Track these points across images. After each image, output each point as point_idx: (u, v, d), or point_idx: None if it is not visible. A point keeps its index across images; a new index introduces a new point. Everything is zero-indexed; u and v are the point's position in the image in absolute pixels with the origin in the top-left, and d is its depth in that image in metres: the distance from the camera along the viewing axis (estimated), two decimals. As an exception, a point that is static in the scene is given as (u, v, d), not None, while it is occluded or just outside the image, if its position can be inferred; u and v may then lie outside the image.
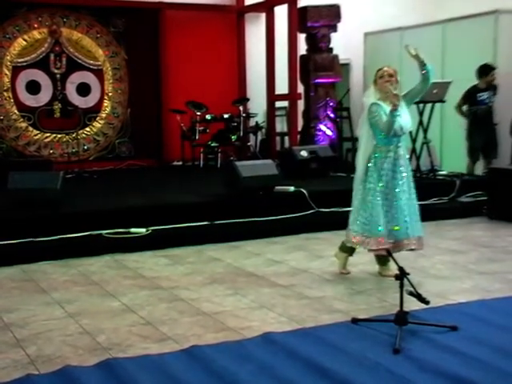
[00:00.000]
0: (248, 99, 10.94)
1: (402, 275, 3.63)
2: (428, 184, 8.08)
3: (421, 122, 8.33)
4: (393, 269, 4.48)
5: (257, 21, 11.47)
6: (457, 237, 6.54)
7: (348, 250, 5.14)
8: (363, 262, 5.53)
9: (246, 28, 11.55)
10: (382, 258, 5.03)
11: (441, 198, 7.89)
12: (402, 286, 3.64)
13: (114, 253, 5.91)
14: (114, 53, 10.78)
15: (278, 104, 11.01)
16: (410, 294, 3.63)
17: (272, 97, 10.79)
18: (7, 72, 10.09)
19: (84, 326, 4.00)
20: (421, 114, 8.26)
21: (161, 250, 6.05)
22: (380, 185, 4.87)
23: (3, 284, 5.02)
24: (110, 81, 10.78)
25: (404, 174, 4.88)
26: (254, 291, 4.74)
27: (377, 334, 3.71)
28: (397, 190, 4.85)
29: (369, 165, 4.93)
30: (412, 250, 4.92)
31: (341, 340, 3.62)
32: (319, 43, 10.41)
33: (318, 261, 5.65)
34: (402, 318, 3.65)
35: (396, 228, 4.83)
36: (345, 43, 10.91)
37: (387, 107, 4.72)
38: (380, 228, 4.79)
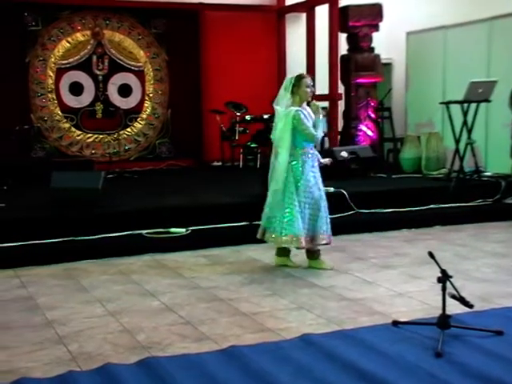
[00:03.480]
0: (288, 99, 10.91)
1: (444, 278, 3.57)
2: (472, 185, 7.96)
3: (465, 122, 8.18)
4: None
5: (297, 21, 11.44)
6: (501, 239, 6.41)
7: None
8: (403, 264, 5.47)
9: (286, 28, 11.53)
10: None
11: (485, 199, 7.75)
12: (444, 288, 3.58)
13: (153, 252, 5.97)
14: (155, 54, 10.88)
15: (319, 104, 10.94)
16: (453, 297, 3.57)
17: (312, 97, 10.73)
18: (51, 74, 10.29)
19: (124, 325, 4.05)
20: (465, 114, 8.12)
21: (200, 249, 6.09)
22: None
23: (46, 282, 5.12)
24: (151, 82, 10.89)
25: None
26: (292, 292, 4.74)
27: (418, 337, 3.67)
28: None
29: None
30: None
31: (381, 342, 3.59)
32: (360, 43, 10.32)
33: (358, 262, 5.62)
34: (444, 321, 3.59)
35: None
36: (387, 42, 10.80)
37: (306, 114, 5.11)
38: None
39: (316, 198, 5.23)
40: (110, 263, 5.67)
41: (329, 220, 5.31)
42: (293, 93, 5.11)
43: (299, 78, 5.13)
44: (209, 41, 10.98)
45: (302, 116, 5.09)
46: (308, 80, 5.14)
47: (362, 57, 10.36)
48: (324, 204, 5.29)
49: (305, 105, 5.23)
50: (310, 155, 5.22)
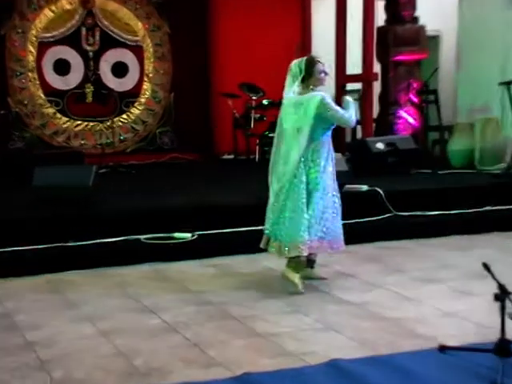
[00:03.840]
0: (313, 80, 10.91)
1: (503, 295, 3.54)
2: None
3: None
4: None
5: (325, -13, 11.43)
6: None
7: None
8: (452, 277, 5.45)
9: (312, -3, 11.54)
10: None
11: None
12: (503, 307, 3.56)
13: (153, 261, 6.00)
14: (156, 26, 10.93)
15: (350, 86, 10.94)
16: (515, 318, 3.55)
17: (342, 78, 10.73)
18: (32, 49, 10.37)
19: (119, 347, 4.07)
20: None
21: (208, 258, 6.11)
22: None
23: (26, 296, 5.15)
24: (151, 59, 10.94)
25: None
26: (318, 309, 4.73)
27: (471, 365, 3.64)
28: None
29: None
30: None
31: (425, 371, 3.57)
32: (402, 11, 10.27)
33: (396, 275, 5.59)
34: (504, 347, 3.56)
35: None
36: (434, 11, 10.73)
37: None
38: None
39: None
40: (102, 274, 5.69)
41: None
42: (303, 81, 5.12)
43: (310, 63, 5.10)
44: (219, 10, 11.01)
45: (329, 100, 5.10)
46: (321, 65, 5.15)
47: (403, 29, 10.31)
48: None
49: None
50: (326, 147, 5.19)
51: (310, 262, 5.39)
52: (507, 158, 8.87)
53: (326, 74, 5.19)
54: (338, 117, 5.12)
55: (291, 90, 5.16)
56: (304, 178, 5.12)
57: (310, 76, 5.11)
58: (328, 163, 5.20)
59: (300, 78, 5.10)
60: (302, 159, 5.12)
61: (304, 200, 5.10)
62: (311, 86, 5.14)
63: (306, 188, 5.12)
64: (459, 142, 9.51)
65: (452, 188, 7.80)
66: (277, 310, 4.71)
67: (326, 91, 5.23)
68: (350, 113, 5.17)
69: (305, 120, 5.07)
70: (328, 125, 5.17)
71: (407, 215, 7.12)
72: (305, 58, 5.19)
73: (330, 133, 5.24)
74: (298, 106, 5.13)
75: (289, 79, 5.19)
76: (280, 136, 5.29)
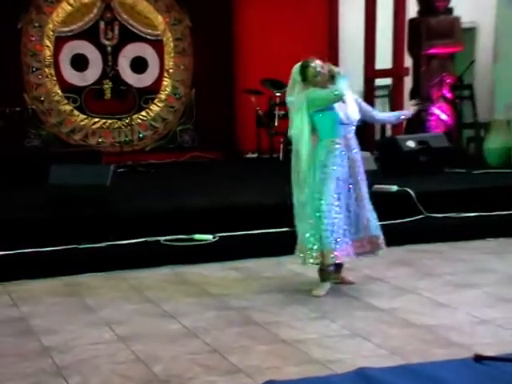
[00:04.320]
0: (341, 75, 10.89)
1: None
2: None
3: None
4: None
5: (353, -23, 11.41)
6: None
7: None
8: (488, 282, 5.41)
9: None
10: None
11: None
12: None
13: (173, 264, 6.02)
14: (177, 20, 10.97)
15: (379, 82, 10.90)
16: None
17: (371, 72, 10.70)
18: (49, 44, 10.45)
19: (137, 353, 4.09)
20: None
21: (230, 261, 6.11)
22: None
23: (42, 300, 5.19)
24: (171, 54, 10.97)
25: None
26: (345, 315, 4.73)
27: (508, 377, 3.61)
28: None
29: None
30: None
31: (459, 382, 3.54)
32: (435, 2, 10.22)
33: (428, 279, 5.57)
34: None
35: None
36: (470, 1, 10.66)
37: None
38: None
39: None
40: (120, 277, 5.72)
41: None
42: (305, 86, 5.21)
43: (302, 68, 5.20)
44: (242, 3, 11.02)
45: (315, 91, 5.15)
46: (312, 68, 5.18)
47: (436, 20, 10.25)
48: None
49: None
50: (338, 146, 5.17)
51: (337, 265, 5.38)
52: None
53: (321, 75, 5.17)
54: (320, 97, 5.13)
55: (293, 94, 5.24)
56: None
57: (307, 81, 5.19)
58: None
59: (299, 84, 5.21)
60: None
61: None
62: (311, 88, 5.20)
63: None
64: (496, 140, 9.43)
65: (488, 188, 7.74)
66: (302, 316, 4.71)
67: (353, 86, 5.24)
68: (335, 88, 5.12)
69: (303, 122, 5.16)
70: (322, 109, 5.14)
71: (440, 217, 7.09)
72: (299, 64, 5.24)
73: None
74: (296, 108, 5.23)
75: (290, 83, 5.30)
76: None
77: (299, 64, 5.25)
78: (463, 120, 10.34)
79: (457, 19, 10.34)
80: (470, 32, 11.32)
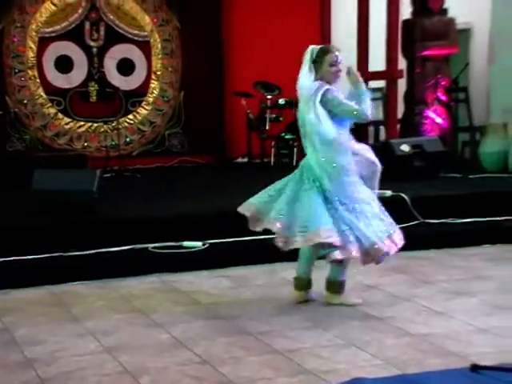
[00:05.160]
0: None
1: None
2: None
3: None
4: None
5: (346, -23, 11.43)
6: None
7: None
8: (485, 290, 5.41)
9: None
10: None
11: None
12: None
13: (162, 272, 6.00)
14: (165, 20, 10.97)
15: (373, 84, 10.90)
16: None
17: (365, 75, 10.68)
18: (32, 45, 10.43)
19: (124, 364, 4.06)
20: None
21: (221, 269, 6.10)
22: None
23: (26, 309, 5.16)
24: (159, 56, 10.98)
25: None
26: (339, 324, 4.72)
27: (505, 386, 3.62)
28: None
29: None
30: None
31: (455, 391, 3.55)
32: (430, 3, 10.26)
33: (424, 287, 5.57)
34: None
35: None
36: (464, 2, 10.70)
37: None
38: None
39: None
40: (107, 286, 5.69)
41: None
42: (313, 70, 4.93)
43: (322, 51, 4.93)
44: (233, 4, 11.03)
45: (334, 93, 4.89)
46: (333, 56, 4.92)
47: (431, 21, 10.29)
48: None
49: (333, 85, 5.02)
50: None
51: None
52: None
53: (337, 67, 4.92)
54: (344, 109, 4.89)
55: (305, 82, 4.94)
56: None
57: (319, 66, 4.91)
58: None
59: (308, 66, 4.92)
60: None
61: None
62: (320, 81, 4.92)
63: None
64: (492, 144, 9.47)
65: (484, 193, 7.75)
66: (295, 325, 4.70)
67: (343, 89, 5.13)
68: (360, 106, 4.92)
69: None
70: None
71: (435, 223, 7.11)
72: (318, 46, 5.02)
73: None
74: (306, 100, 4.94)
75: (303, 67, 4.99)
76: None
77: (319, 46, 5.00)
78: (458, 123, 10.36)
79: (452, 20, 10.38)
80: (465, 34, 11.35)
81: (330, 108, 4.89)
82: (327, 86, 4.91)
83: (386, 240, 4.95)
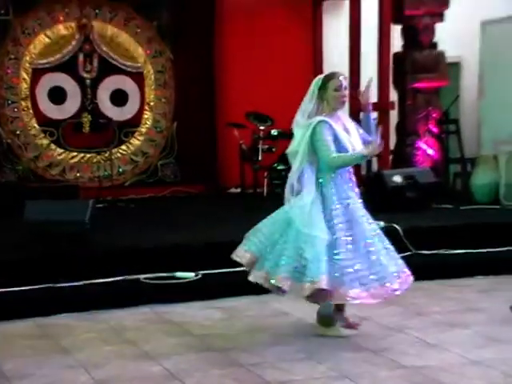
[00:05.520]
0: (325, 109, 10.96)
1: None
2: None
3: None
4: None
5: (338, 10, 11.53)
6: None
7: None
8: (478, 321, 5.40)
9: (323, 19, 11.62)
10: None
11: None
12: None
13: (154, 303, 5.96)
14: (158, 52, 11.03)
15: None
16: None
17: (356, 106, 10.74)
18: (26, 76, 10.45)
19: (115, 397, 4.03)
20: None
21: (213, 300, 6.09)
22: None
23: (13, 342, 5.11)
24: (152, 87, 11.01)
25: None
26: (332, 356, 4.69)
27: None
28: None
29: None
30: None
31: (449, 424, 3.51)
32: (420, 37, 10.36)
33: (417, 319, 5.56)
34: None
35: None
36: (454, 36, 10.80)
37: (337, 128, 4.86)
38: None
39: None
40: (97, 317, 5.65)
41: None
42: (319, 98, 4.94)
43: (327, 78, 4.95)
44: (225, 35, 11.10)
45: (324, 128, 4.84)
46: (337, 81, 4.91)
47: (421, 55, 10.38)
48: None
49: (340, 113, 5.04)
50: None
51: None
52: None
53: (343, 91, 4.90)
54: (321, 150, 4.84)
55: (305, 114, 4.95)
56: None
57: (324, 91, 4.90)
58: None
59: (316, 94, 4.92)
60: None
61: None
62: (326, 104, 4.92)
63: None
64: (483, 176, 9.50)
65: (475, 225, 7.77)
66: (288, 357, 4.66)
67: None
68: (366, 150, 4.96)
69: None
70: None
71: (427, 254, 7.10)
72: (322, 75, 5.05)
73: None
74: (300, 130, 4.96)
75: (305, 98, 4.99)
76: None
77: (323, 75, 5.03)
78: (449, 155, 10.41)
79: (441, 54, 10.48)
80: (455, 67, 11.47)
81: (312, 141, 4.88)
82: (324, 119, 4.88)
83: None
